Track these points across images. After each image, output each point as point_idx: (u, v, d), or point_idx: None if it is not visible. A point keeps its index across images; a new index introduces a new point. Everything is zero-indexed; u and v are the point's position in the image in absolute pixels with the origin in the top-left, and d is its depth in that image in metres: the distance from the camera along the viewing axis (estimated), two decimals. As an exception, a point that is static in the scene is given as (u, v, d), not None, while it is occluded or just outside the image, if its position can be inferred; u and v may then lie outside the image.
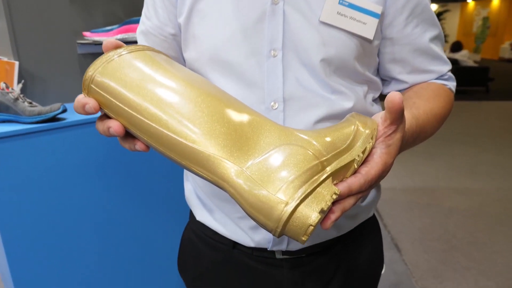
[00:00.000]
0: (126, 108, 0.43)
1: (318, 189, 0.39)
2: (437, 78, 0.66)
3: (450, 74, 0.67)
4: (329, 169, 0.41)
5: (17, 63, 1.23)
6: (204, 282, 0.74)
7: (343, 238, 0.68)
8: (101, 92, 0.44)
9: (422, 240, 2.38)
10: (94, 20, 1.40)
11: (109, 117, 0.46)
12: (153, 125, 0.42)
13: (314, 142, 0.42)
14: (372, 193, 0.70)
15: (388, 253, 2.24)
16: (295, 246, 0.64)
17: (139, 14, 1.50)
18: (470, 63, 7.38)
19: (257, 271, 0.67)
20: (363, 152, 0.44)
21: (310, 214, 0.38)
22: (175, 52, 0.68)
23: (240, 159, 0.41)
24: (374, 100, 0.66)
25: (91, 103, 0.44)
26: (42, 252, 1.18)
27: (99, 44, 1.31)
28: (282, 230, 0.38)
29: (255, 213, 0.39)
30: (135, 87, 0.43)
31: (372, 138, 0.45)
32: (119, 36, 1.32)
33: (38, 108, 1.12)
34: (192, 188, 0.72)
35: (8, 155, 1.07)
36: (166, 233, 1.45)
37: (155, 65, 0.45)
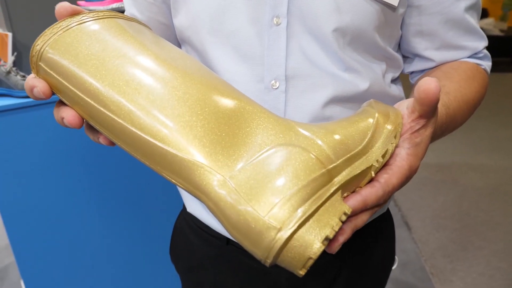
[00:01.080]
0: (81, 95, 0.34)
1: (322, 207, 0.30)
2: (470, 56, 0.55)
3: (485, 51, 0.56)
4: (338, 180, 0.31)
5: (10, 34, 1.18)
6: (197, 276, 0.68)
7: (351, 236, 0.60)
8: (52, 73, 0.35)
9: (433, 218, 2.32)
10: (90, -13, 1.33)
11: (64, 103, 0.37)
12: (114, 117, 0.33)
13: (320, 142, 0.32)
14: None
15: (397, 230, 2.19)
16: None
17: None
18: (496, 32, 7.01)
19: (253, 269, 0.61)
20: (384, 156, 0.34)
21: (311, 243, 0.28)
22: (164, 18, 0.58)
23: (223, 165, 0.31)
24: (394, 81, 0.56)
25: (40, 86, 0.35)
26: (39, 224, 1.18)
27: (94, 13, 1.25)
28: (273, 261, 0.29)
29: (240, 238, 0.30)
30: (93, 66, 0.34)
31: (395, 137, 0.35)
32: (115, 4, 1.26)
33: (31, 81, 1.09)
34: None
35: (4, 129, 1.05)
36: (160, 218, 1.43)
37: (123, 37, 0.36)
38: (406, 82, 0.62)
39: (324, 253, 0.54)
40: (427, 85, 0.32)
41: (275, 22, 0.48)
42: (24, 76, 1.10)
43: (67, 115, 0.35)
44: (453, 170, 2.96)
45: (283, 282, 0.61)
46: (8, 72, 1.07)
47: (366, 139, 0.34)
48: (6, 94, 1.08)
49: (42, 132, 1.10)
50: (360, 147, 0.33)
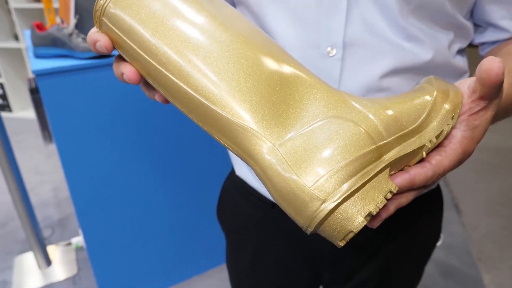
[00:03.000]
0: (140, 52, 0.34)
1: (369, 184, 0.30)
2: None
3: None
4: (387, 158, 0.31)
5: (73, -3, 1.24)
6: (241, 236, 0.71)
7: (397, 211, 0.59)
8: (113, 28, 0.35)
9: (486, 203, 2.21)
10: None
11: (123, 59, 0.38)
12: (170, 76, 0.33)
13: (372, 117, 0.32)
14: None
15: (446, 213, 2.11)
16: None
17: None
18: None
19: (294, 235, 0.62)
20: (437, 137, 0.33)
21: (354, 217, 0.29)
22: None
23: (274, 132, 0.32)
24: (460, 52, 0.52)
25: (102, 40, 0.36)
26: (98, 180, 1.27)
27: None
28: (314, 230, 0.30)
29: (285, 204, 0.31)
30: (153, 25, 0.34)
31: (453, 118, 0.34)
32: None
33: (91, 44, 1.14)
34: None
35: (64, 88, 1.12)
36: (210, 179, 1.48)
37: None
38: (470, 55, 0.58)
39: (366, 227, 0.55)
40: (489, 65, 0.30)
41: None
42: (84, 38, 1.16)
43: (127, 71, 0.36)
44: (514, 155, 2.76)
45: (324, 251, 0.61)
46: (70, 34, 1.14)
47: (422, 118, 0.33)
48: (68, 55, 1.15)
49: (102, 92, 1.17)
50: (414, 126, 0.33)
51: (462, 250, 1.85)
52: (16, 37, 3.22)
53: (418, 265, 0.67)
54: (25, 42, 3.00)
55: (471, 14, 0.51)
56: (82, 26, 1.28)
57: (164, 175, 1.40)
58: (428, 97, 0.34)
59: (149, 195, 1.40)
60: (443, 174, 0.34)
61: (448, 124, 0.34)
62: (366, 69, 0.47)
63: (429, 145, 0.33)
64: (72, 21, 1.16)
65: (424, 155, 0.33)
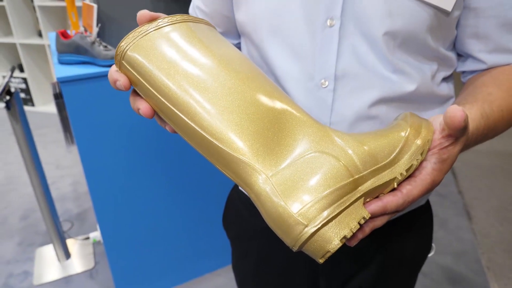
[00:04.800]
0: (154, 92, 0.39)
1: (345, 211, 0.35)
2: None
3: None
4: (362, 189, 0.36)
5: (95, 6, 1.29)
6: (244, 244, 0.76)
7: (388, 224, 0.63)
8: (131, 70, 0.41)
9: (499, 210, 2.20)
10: (167, -39, 1.39)
11: (139, 94, 0.43)
12: (180, 115, 0.38)
13: (350, 152, 0.36)
14: None
15: (457, 219, 2.11)
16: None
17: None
18: None
19: None
20: (407, 170, 0.38)
21: (331, 239, 0.34)
22: (227, 11, 0.62)
23: (267, 164, 0.36)
24: (445, 79, 0.56)
25: (121, 80, 0.41)
26: (115, 180, 1.33)
27: (169, -12, 1.31)
28: (299, 249, 0.36)
29: (274, 226, 0.36)
30: (165, 69, 0.39)
31: (421, 154, 0.38)
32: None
33: (112, 52, 1.20)
34: None
35: (86, 94, 1.18)
36: (216, 191, 1.53)
37: (192, 42, 0.41)
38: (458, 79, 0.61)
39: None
40: (453, 113, 0.35)
41: (328, 24, 0.49)
42: (106, 46, 1.21)
43: (142, 107, 0.42)
44: (531, 161, 2.73)
45: None
46: (93, 43, 1.19)
47: (394, 153, 0.37)
48: (91, 62, 1.21)
49: (121, 98, 1.22)
50: (387, 160, 0.37)
51: (471, 257, 1.86)
52: (39, 34, 3.32)
53: (410, 273, 0.71)
54: (48, 39, 3.09)
55: (454, 45, 0.55)
56: (104, 35, 1.34)
57: (177, 178, 1.45)
58: (402, 134, 0.39)
59: (163, 196, 1.45)
60: (412, 201, 0.38)
61: (417, 159, 0.38)
62: (355, 98, 0.51)
63: (400, 178, 0.37)
64: (95, 30, 1.21)
65: (396, 185, 0.38)
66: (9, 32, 3.48)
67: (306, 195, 0.34)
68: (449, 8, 0.47)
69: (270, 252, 0.71)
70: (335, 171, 0.35)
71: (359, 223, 0.35)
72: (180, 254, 1.62)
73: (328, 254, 0.34)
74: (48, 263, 1.85)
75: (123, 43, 0.41)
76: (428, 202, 0.69)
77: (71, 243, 1.94)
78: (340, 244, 0.34)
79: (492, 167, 2.66)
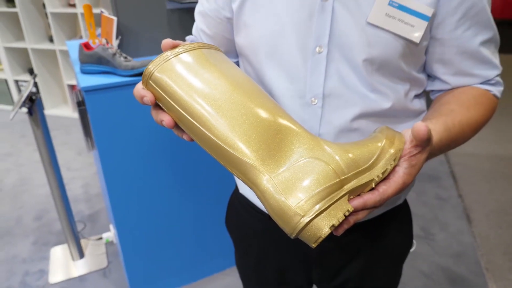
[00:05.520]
0: (177, 106, 0.48)
1: (333, 205, 0.43)
2: (482, 83, 0.63)
3: (497, 78, 0.63)
4: (346, 188, 0.44)
5: (115, 18, 1.37)
6: (245, 243, 0.84)
7: (371, 221, 0.72)
8: (157, 88, 0.49)
9: (498, 214, 2.26)
10: (182, -24, 1.47)
11: (162, 108, 0.51)
12: (199, 126, 0.47)
13: (337, 158, 0.45)
14: None
15: (457, 222, 2.18)
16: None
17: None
18: None
19: (290, 241, 0.75)
20: (383, 173, 0.46)
21: (322, 227, 0.42)
22: (229, 34, 0.70)
23: (270, 167, 0.45)
24: (417, 96, 0.65)
25: (148, 96, 0.49)
26: (134, 183, 1.41)
27: (185, 2, 1.39)
28: (296, 235, 0.44)
29: (276, 218, 0.44)
30: (185, 88, 0.47)
31: (394, 160, 0.47)
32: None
33: (132, 63, 1.27)
34: None
35: (109, 102, 1.25)
36: (219, 194, 1.60)
37: (206, 66, 0.49)
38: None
39: (348, 232, 0.69)
40: (418, 128, 0.45)
41: (317, 50, 0.58)
42: (126, 57, 1.29)
43: (165, 119, 0.49)
44: (530, 166, 2.79)
45: (313, 253, 0.75)
46: (114, 54, 1.26)
47: (372, 159, 0.46)
48: (111, 72, 1.28)
49: (139, 106, 1.30)
50: (367, 165, 0.46)
51: (471, 259, 1.92)
52: (50, 39, 3.40)
53: (393, 265, 0.80)
54: (64, 45, 3.17)
55: (424, 68, 0.65)
56: (123, 46, 1.41)
57: (188, 182, 1.53)
58: (379, 144, 0.47)
59: (175, 199, 1.53)
60: (387, 198, 0.47)
61: (391, 165, 0.47)
62: (340, 114, 0.60)
63: (376, 179, 0.46)
64: (116, 42, 1.28)
65: (373, 185, 0.46)
66: (21, 37, 3.57)
67: (302, 192, 0.43)
68: (417, 40, 0.56)
69: (268, 249, 0.80)
70: (325, 173, 0.44)
71: (344, 214, 0.43)
72: (191, 254, 1.69)
73: (320, 239, 0.43)
74: (62, 262, 1.93)
75: (151, 66, 0.49)
76: (405, 201, 0.78)
77: (84, 243, 2.01)
78: (329, 231, 0.42)
79: (492, 171, 2.73)
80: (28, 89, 1.43)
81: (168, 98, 0.48)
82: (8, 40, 3.49)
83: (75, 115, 3.61)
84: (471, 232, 2.12)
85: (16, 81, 3.66)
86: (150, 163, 1.41)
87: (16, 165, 2.86)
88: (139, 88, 0.51)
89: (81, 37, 3.32)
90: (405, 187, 0.48)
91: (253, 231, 0.81)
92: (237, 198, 0.84)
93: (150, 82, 0.49)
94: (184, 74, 0.48)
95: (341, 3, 0.56)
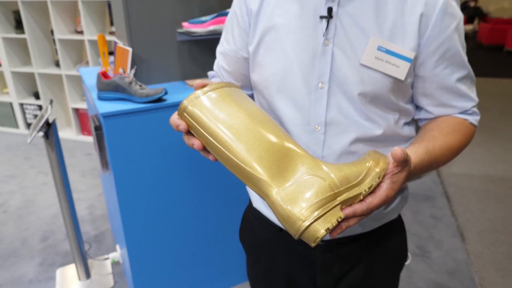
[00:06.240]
0: (205, 133, 0.60)
1: (328, 213, 0.54)
2: (461, 113, 0.73)
3: (474, 109, 0.74)
4: (339, 199, 0.55)
5: (130, 49, 1.48)
6: (257, 251, 0.93)
7: (368, 233, 0.81)
8: (190, 119, 0.61)
9: (491, 232, 2.35)
10: (192, 10, 1.60)
11: (193, 135, 0.63)
12: (222, 149, 0.58)
13: (332, 176, 0.56)
14: (396, 200, 0.81)
15: (451, 240, 2.26)
16: (326, 235, 0.78)
17: (229, 5, 1.66)
18: None
19: (297, 250, 0.84)
20: (369, 188, 0.56)
21: (319, 230, 0.53)
22: (245, 71, 0.82)
23: (279, 183, 0.56)
24: (407, 123, 0.76)
25: (182, 125, 0.61)
26: (146, 203, 1.48)
27: (194, 35, 1.50)
28: (299, 236, 0.54)
29: (283, 222, 0.55)
30: (212, 119, 0.59)
31: (379, 178, 0.57)
32: (211, 27, 1.51)
33: (146, 90, 1.37)
34: None
35: (125, 127, 1.35)
36: (237, 206, 1.69)
37: (229, 103, 0.61)
38: None
39: (348, 244, 0.82)
40: (395, 152, 0.56)
41: (320, 86, 0.69)
42: (141, 86, 1.39)
43: (196, 143, 0.61)
44: (520, 186, 2.90)
45: (318, 262, 0.83)
46: (130, 83, 1.37)
47: (361, 177, 0.57)
48: (128, 99, 1.38)
49: (155, 130, 1.39)
50: (356, 181, 0.56)
51: (465, 276, 2.00)
52: (57, 64, 3.52)
53: (391, 274, 0.89)
54: (66, 70, 3.28)
55: (412, 100, 0.76)
56: (137, 74, 1.52)
57: (199, 204, 1.61)
58: (367, 164, 0.58)
59: (186, 221, 1.60)
60: (374, 208, 0.56)
61: (375, 181, 0.57)
62: (339, 139, 0.71)
63: (364, 193, 0.56)
64: (132, 71, 1.39)
65: (362, 198, 0.56)
66: (28, 62, 3.69)
67: (303, 202, 0.54)
68: (402, 78, 0.67)
69: (277, 257, 0.89)
70: (322, 187, 0.55)
71: (337, 220, 0.54)
72: (200, 274, 1.75)
73: (318, 240, 0.53)
74: (69, 282, 1.97)
75: (185, 102, 0.61)
76: (399, 216, 0.88)
77: (90, 263, 2.06)
78: (325, 233, 0.52)
79: (484, 191, 2.83)
80: (47, 113, 1.52)
81: (198, 127, 0.60)
82: (15, 64, 3.61)
83: (79, 137, 3.69)
84: (465, 249, 2.20)
85: (21, 104, 3.76)
86: (163, 185, 1.49)
87: (20, 187, 2.92)
88: (175, 118, 0.63)
89: (87, 63, 3.44)
90: (388, 200, 0.58)
91: (264, 240, 0.90)
92: (251, 212, 0.93)
93: (185, 114, 0.61)
94: (211, 108, 0.60)
95: (339, 47, 0.67)
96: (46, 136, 1.58)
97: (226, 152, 0.58)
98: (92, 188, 2.89)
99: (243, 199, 1.69)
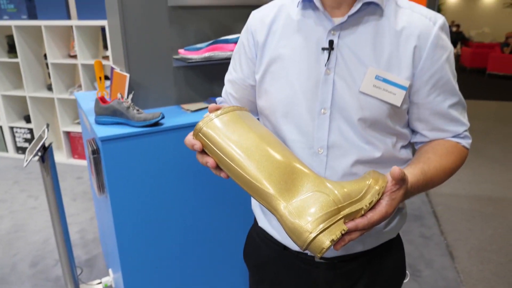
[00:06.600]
0: (219, 152, 0.65)
1: (332, 226, 0.58)
2: (453, 136, 0.78)
3: (466, 133, 0.80)
4: (343, 213, 0.59)
5: (128, 75, 1.52)
6: (261, 271, 0.95)
7: (369, 252, 0.84)
8: (204, 139, 0.67)
9: (479, 250, 2.40)
10: (187, 38, 1.66)
11: (206, 153, 0.68)
12: (235, 166, 0.63)
13: (336, 192, 0.60)
14: (395, 220, 0.85)
15: (441, 259, 2.30)
16: (329, 253, 0.82)
17: (224, 33, 1.73)
18: None
19: (300, 268, 0.87)
20: (370, 204, 0.61)
21: (324, 241, 0.57)
22: (252, 98, 0.88)
23: (287, 198, 0.61)
24: (404, 147, 0.81)
25: (197, 145, 0.67)
26: (142, 227, 1.50)
27: (190, 61, 1.56)
28: (306, 248, 0.58)
29: (291, 235, 0.59)
30: (225, 139, 0.65)
31: (378, 194, 0.61)
32: (207, 54, 1.57)
33: (144, 115, 1.41)
34: (257, 202, 0.93)
35: (123, 151, 1.38)
36: (237, 228, 1.71)
37: (240, 125, 0.67)
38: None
39: (349, 262, 0.86)
40: (393, 171, 0.61)
41: (322, 112, 0.74)
42: (138, 110, 1.43)
43: (210, 161, 0.67)
44: (505, 204, 2.98)
45: (320, 279, 0.86)
46: (128, 107, 1.41)
47: (362, 193, 0.61)
48: (126, 123, 1.42)
49: (152, 154, 1.42)
50: (357, 197, 0.61)
51: (456, 294, 2.03)
52: (49, 88, 3.54)
53: None
54: (58, 93, 3.30)
55: (408, 125, 0.81)
56: (133, 98, 1.56)
57: (195, 230, 1.62)
58: (367, 182, 0.62)
59: (183, 247, 1.61)
60: (373, 223, 0.60)
61: (375, 197, 0.61)
62: (341, 161, 0.75)
63: (365, 208, 0.60)
64: (130, 96, 1.43)
65: (363, 212, 0.60)
66: (19, 86, 3.71)
67: (310, 216, 0.58)
68: (398, 104, 0.72)
69: (282, 276, 0.91)
70: (327, 202, 0.59)
71: (341, 233, 0.58)
72: (191, 295, 1.74)
73: (324, 250, 0.56)
74: (60, 307, 1.94)
75: (201, 123, 0.67)
76: (398, 235, 0.92)
77: (82, 288, 2.03)
78: (330, 244, 0.56)
79: (470, 210, 2.90)
80: (44, 137, 1.54)
81: (212, 146, 0.66)
82: (6, 88, 3.62)
83: (70, 161, 3.68)
84: (454, 268, 2.24)
85: (11, 128, 3.75)
86: (159, 209, 1.51)
87: (9, 211, 2.88)
88: (190, 138, 0.69)
89: (79, 86, 3.47)
90: (387, 215, 0.62)
91: (269, 258, 0.92)
92: (255, 231, 0.96)
93: (200, 134, 0.67)
94: (224, 129, 0.66)
95: (340, 76, 0.73)
96: (42, 159, 1.60)
97: (238, 169, 0.63)
98: (83, 211, 2.87)
99: (240, 222, 1.72)
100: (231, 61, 0.90)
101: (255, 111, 0.89)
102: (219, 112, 0.67)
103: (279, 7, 0.81)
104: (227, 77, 0.91)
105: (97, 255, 2.36)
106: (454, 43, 11.35)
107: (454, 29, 12.05)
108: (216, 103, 0.97)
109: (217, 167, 0.67)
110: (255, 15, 0.84)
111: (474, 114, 5.51)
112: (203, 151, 0.68)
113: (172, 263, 1.62)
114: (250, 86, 0.86)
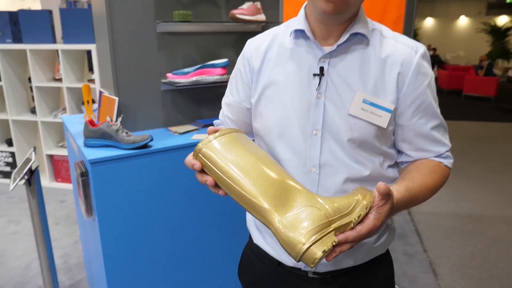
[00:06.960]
0: (217, 171, 0.70)
1: (324, 237, 0.62)
2: (436, 156, 0.84)
3: (448, 153, 0.85)
4: (333, 226, 0.64)
5: (117, 99, 1.56)
6: (256, 287, 0.98)
7: (359, 267, 0.88)
8: (204, 159, 0.71)
9: (460, 267, 2.45)
10: (175, 62, 1.71)
11: (205, 172, 0.72)
12: (233, 184, 0.68)
13: (327, 206, 0.65)
14: (384, 235, 0.90)
15: (424, 276, 2.34)
16: (321, 269, 0.85)
17: (211, 58, 1.79)
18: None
19: (294, 284, 0.90)
20: (358, 217, 0.66)
21: (317, 252, 0.61)
22: (248, 120, 0.93)
23: (281, 212, 0.66)
24: (391, 166, 0.86)
25: (197, 164, 0.72)
26: (131, 248, 1.50)
27: (178, 85, 1.60)
28: (300, 259, 0.62)
29: (285, 247, 0.63)
30: (223, 159, 0.69)
31: (366, 208, 0.66)
32: (194, 78, 1.62)
33: (133, 137, 1.44)
34: (252, 219, 0.97)
35: (111, 173, 1.39)
36: (231, 246, 1.72)
37: (237, 147, 0.71)
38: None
39: (341, 278, 0.89)
40: (379, 186, 0.65)
41: (314, 133, 0.79)
42: (127, 133, 1.45)
43: (209, 180, 0.71)
44: (484, 222, 3.07)
45: None
46: (117, 130, 1.43)
47: (351, 207, 0.66)
48: (115, 146, 1.44)
49: (140, 176, 1.44)
50: (347, 211, 0.65)
51: (440, 311, 2.06)
52: (32, 111, 3.52)
53: None
54: (42, 116, 3.28)
55: (394, 145, 0.86)
56: (123, 122, 1.59)
57: (184, 252, 1.63)
58: (355, 197, 0.67)
59: (175, 268, 1.61)
60: (362, 236, 0.65)
61: (363, 211, 0.66)
62: (332, 179, 0.80)
63: (354, 221, 0.65)
64: (119, 119, 1.46)
65: (352, 226, 0.65)
66: (2, 109, 3.67)
67: (302, 229, 0.63)
68: (384, 126, 0.78)
69: None
70: (318, 216, 0.64)
71: (332, 244, 0.62)
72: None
73: (316, 261, 0.61)
74: (43, 335, 1.89)
75: (200, 145, 0.71)
76: (387, 251, 0.96)
77: (66, 314, 1.99)
78: (322, 255, 0.61)
79: (451, 228, 2.97)
80: (31, 161, 1.54)
81: (211, 166, 0.70)
82: (-12, 112, 3.58)
83: (52, 184, 3.63)
84: (438, 284, 2.28)
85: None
86: (148, 231, 1.52)
87: (-11, 236, 2.81)
88: (190, 159, 0.73)
89: (64, 109, 3.46)
90: (375, 228, 0.67)
91: (263, 275, 0.95)
92: (250, 249, 1.00)
93: (199, 155, 0.72)
94: (222, 150, 0.71)
95: (330, 100, 0.79)
96: (29, 183, 1.60)
97: (235, 186, 0.67)
98: (66, 236, 2.82)
99: (231, 244, 1.74)
100: (228, 85, 0.96)
101: (250, 132, 0.94)
102: (217, 134, 0.72)
103: (273, 36, 0.87)
104: (224, 100, 0.96)
105: (81, 280, 2.32)
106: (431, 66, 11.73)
107: (430, 52, 12.53)
108: (213, 125, 1.02)
109: (216, 185, 0.71)
110: (250, 43, 0.91)
111: (453, 134, 5.65)
112: (202, 171, 0.73)
113: (162, 287, 1.62)
114: (246, 109, 0.91)
